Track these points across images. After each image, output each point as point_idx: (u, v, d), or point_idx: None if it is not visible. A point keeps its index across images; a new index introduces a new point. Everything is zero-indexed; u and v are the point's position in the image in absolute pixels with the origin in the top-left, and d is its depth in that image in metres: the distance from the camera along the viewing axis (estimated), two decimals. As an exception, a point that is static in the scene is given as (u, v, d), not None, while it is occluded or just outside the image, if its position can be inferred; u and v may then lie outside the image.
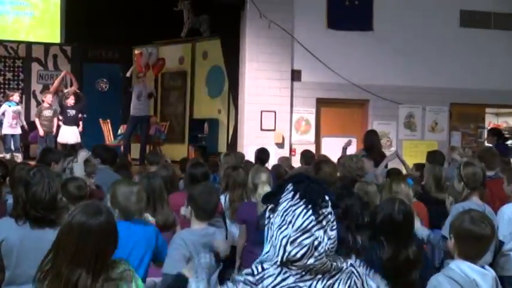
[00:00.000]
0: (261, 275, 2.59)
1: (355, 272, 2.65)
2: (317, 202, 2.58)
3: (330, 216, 2.60)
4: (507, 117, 16.15)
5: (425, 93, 12.78)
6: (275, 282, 2.56)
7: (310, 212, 2.55)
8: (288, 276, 2.55)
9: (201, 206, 4.75)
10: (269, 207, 2.65)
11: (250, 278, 2.62)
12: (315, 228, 2.54)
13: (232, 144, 12.52)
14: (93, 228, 3.00)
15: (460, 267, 3.55)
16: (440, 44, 12.85)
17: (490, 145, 11.32)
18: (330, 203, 2.62)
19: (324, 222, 2.57)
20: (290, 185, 2.63)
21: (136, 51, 16.41)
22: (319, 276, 2.59)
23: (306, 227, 2.52)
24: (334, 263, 2.62)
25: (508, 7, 13.35)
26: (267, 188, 5.99)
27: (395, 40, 12.59)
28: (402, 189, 5.94)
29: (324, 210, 2.58)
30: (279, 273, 2.57)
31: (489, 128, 13.87)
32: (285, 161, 10.04)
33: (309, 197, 2.58)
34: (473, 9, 13.21)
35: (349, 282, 2.63)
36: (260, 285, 2.58)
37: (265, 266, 2.60)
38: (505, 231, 5.86)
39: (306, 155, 9.96)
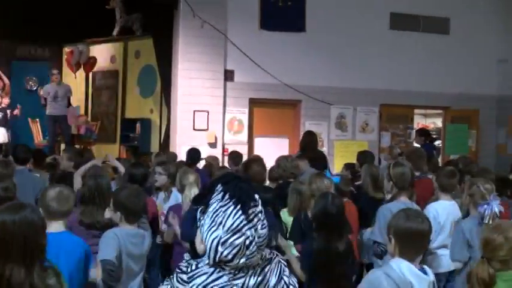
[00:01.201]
0: (193, 273, 2.58)
1: (282, 261, 2.68)
2: (246, 201, 2.58)
3: (260, 214, 2.60)
4: (435, 118, 16.52)
5: (356, 94, 12.98)
6: (208, 280, 2.56)
7: (240, 211, 2.55)
8: (222, 276, 2.55)
9: (131, 210, 4.69)
10: (200, 209, 2.64)
11: (183, 276, 2.60)
12: (245, 228, 2.54)
13: (165, 144, 12.43)
14: (17, 222, 3.00)
15: (399, 266, 3.56)
16: (370, 46, 13.06)
17: (418, 145, 11.55)
18: (259, 202, 2.62)
19: (255, 221, 2.58)
20: (219, 185, 2.62)
21: (66, 49, 16.14)
22: (251, 271, 2.60)
23: (236, 226, 2.53)
24: (263, 253, 2.63)
25: (436, 11, 13.67)
26: (194, 190, 6.05)
27: (327, 41, 12.74)
28: (326, 185, 6.08)
29: (254, 209, 2.59)
30: (212, 272, 2.57)
31: (417, 128, 14.15)
32: (214, 160, 10.05)
33: (238, 196, 2.58)
34: (403, 12, 13.47)
35: (278, 272, 2.65)
36: (192, 283, 2.57)
37: (200, 264, 2.59)
38: (430, 230, 6.02)
39: (233, 155, 9.98)
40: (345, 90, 12.88)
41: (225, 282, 2.59)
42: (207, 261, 2.61)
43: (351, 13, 12.94)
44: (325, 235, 4.82)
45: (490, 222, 5.14)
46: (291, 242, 5.29)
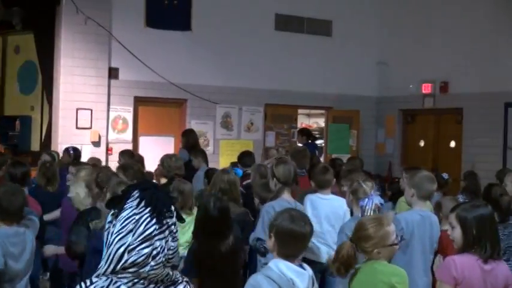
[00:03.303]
0: None
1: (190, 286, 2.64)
2: (162, 211, 2.52)
3: (173, 226, 2.55)
4: (318, 118, 16.90)
5: (242, 94, 13.09)
6: None
7: (154, 220, 2.48)
8: (119, 286, 2.47)
9: (6, 209, 4.54)
10: (112, 213, 2.55)
11: None
12: (156, 238, 2.46)
13: (46, 142, 12.08)
14: None
15: (278, 266, 3.60)
16: (256, 46, 13.22)
17: (301, 145, 11.77)
18: (174, 213, 2.58)
19: (167, 232, 2.51)
20: (136, 191, 2.55)
21: None
22: (152, 285, 2.53)
23: (147, 235, 2.45)
24: (170, 273, 2.58)
25: (319, 13, 13.99)
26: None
27: (213, 41, 12.78)
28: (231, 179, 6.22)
29: (168, 220, 2.53)
30: (108, 285, 2.47)
31: (299, 128, 14.42)
32: (96, 161, 9.86)
33: (154, 205, 2.51)
34: (288, 13, 13.71)
35: None
36: None
37: (94, 279, 2.49)
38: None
39: (125, 154, 9.85)
40: (231, 89, 12.97)
41: None
42: (103, 271, 2.50)
43: (237, 13, 13.05)
44: (208, 238, 4.85)
45: (372, 214, 5.33)
46: None
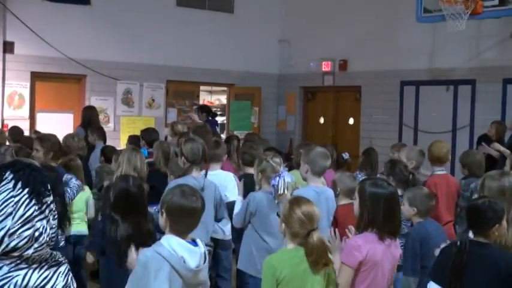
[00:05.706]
0: None
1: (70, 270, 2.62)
2: (41, 191, 2.47)
3: (52, 205, 2.51)
4: (220, 95, 16.93)
5: (143, 70, 12.93)
6: None
7: (33, 201, 2.43)
8: (1, 267, 2.41)
9: None
10: None
11: None
12: (37, 219, 2.43)
13: None
14: None
15: (169, 243, 3.57)
16: (157, 22, 13.06)
17: (200, 121, 11.77)
18: (51, 192, 2.54)
19: (47, 212, 2.48)
20: (9, 173, 2.48)
21: None
22: (35, 265, 2.49)
23: (27, 217, 2.40)
24: (54, 253, 2.55)
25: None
26: None
27: (113, 16, 12.53)
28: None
29: (47, 199, 2.49)
30: None
31: (198, 105, 14.40)
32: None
33: (32, 186, 2.45)
34: (188, -11, 13.63)
35: (67, 278, 2.57)
36: None
37: None
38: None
39: (14, 131, 9.57)
40: (131, 65, 12.79)
41: (6, 273, 2.44)
42: None
43: (137, -12, 12.86)
44: (132, 219, 4.77)
45: (286, 192, 5.39)
46: None
